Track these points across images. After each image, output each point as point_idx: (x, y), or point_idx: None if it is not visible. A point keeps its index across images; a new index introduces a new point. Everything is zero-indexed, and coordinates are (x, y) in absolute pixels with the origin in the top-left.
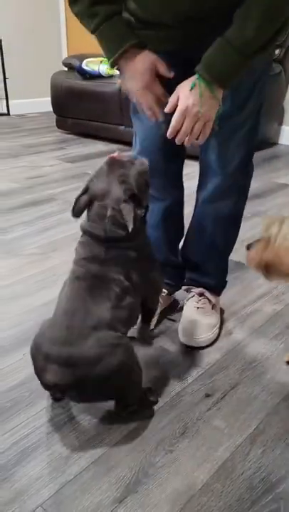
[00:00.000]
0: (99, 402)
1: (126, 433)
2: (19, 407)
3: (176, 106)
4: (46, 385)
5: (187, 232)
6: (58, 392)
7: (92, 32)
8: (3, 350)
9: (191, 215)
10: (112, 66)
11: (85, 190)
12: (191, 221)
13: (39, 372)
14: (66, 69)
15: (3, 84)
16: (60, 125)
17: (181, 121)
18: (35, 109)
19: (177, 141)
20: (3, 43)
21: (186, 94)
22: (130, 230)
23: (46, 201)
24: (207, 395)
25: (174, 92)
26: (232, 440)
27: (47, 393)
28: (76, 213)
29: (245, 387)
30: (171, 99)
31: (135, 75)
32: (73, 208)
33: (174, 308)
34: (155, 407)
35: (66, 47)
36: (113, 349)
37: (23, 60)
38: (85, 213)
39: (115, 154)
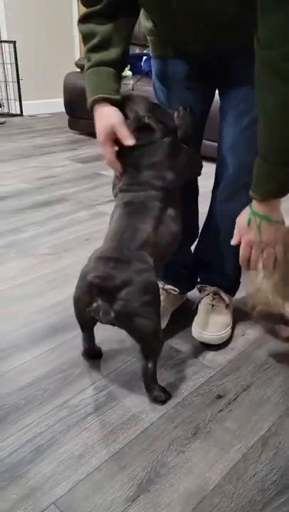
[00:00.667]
0: (122, 319)
1: (138, 432)
2: (32, 405)
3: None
4: (89, 292)
5: (202, 231)
6: (96, 302)
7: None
8: (15, 348)
9: (206, 214)
10: (90, 110)
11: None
12: (206, 220)
13: (86, 276)
14: (79, 70)
15: (16, 86)
16: (72, 126)
17: (248, 251)
18: (47, 109)
19: (251, 268)
20: (17, 45)
21: (246, 230)
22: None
23: (58, 201)
24: (219, 396)
25: (236, 226)
26: (244, 442)
27: (59, 392)
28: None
29: (257, 389)
30: (236, 234)
31: (97, 127)
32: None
33: (186, 308)
34: (167, 407)
35: (79, 48)
36: (153, 272)
37: (36, 61)
38: None
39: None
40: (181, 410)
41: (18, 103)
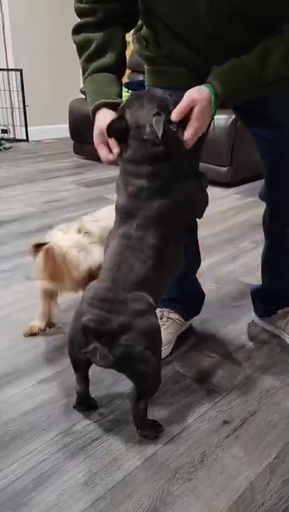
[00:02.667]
0: (121, 364)
1: (143, 460)
2: (36, 431)
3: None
4: (84, 335)
5: (268, 263)
6: (92, 344)
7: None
8: (21, 373)
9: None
10: (92, 117)
11: (120, 116)
12: (271, 251)
13: (80, 319)
14: (84, 96)
15: (23, 112)
16: (77, 151)
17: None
18: (52, 135)
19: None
20: (23, 72)
21: (208, 101)
22: (160, 136)
23: None
24: (225, 422)
25: (185, 99)
26: (251, 469)
27: (63, 418)
28: (110, 133)
29: (263, 415)
30: (184, 103)
31: (94, 129)
32: (108, 128)
33: (191, 332)
34: (173, 433)
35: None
36: (154, 311)
37: (41, 88)
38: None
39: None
40: (187, 437)
41: (24, 129)
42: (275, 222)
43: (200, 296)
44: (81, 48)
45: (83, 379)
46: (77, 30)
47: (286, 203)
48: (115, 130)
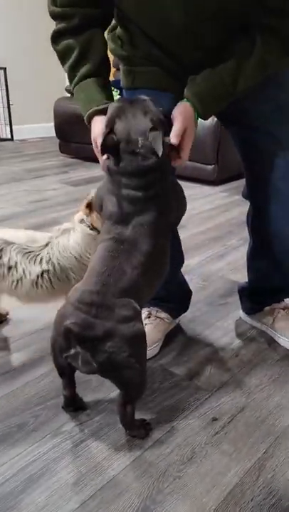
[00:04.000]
0: (105, 371)
1: (132, 459)
2: (24, 432)
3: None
4: (66, 339)
5: (255, 259)
6: (74, 348)
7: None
8: (8, 375)
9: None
10: (88, 123)
11: (110, 131)
12: (258, 246)
13: (63, 321)
14: (69, 95)
15: (7, 110)
16: (64, 150)
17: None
18: (38, 134)
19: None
20: (7, 70)
21: (192, 123)
22: (160, 154)
23: (50, 224)
24: (214, 419)
25: (180, 121)
26: (241, 465)
27: (52, 418)
28: (104, 151)
29: (252, 411)
30: (181, 125)
31: (92, 138)
32: (102, 147)
33: (179, 330)
34: (162, 432)
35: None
36: (140, 317)
37: (26, 87)
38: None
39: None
40: (176, 434)
41: (8, 127)
42: (258, 220)
43: (187, 293)
44: (63, 56)
45: (69, 383)
46: (55, 37)
47: (267, 201)
48: (108, 148)
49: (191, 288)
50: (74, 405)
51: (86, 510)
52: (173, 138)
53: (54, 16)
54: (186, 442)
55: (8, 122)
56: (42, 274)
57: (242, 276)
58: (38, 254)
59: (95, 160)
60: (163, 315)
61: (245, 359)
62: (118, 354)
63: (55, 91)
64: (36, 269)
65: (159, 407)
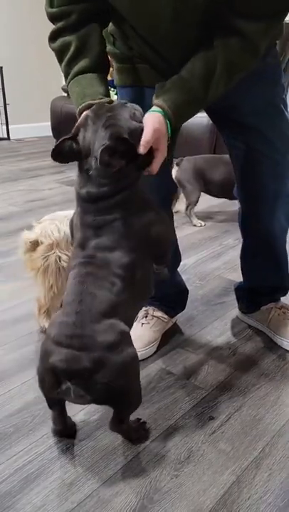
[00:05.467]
0: (101, 401)
1: (130, 458)
2: (21, 432)
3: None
4: (54, 376)
5: (247, 260)
6: (64, 384)
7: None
8: (4, 374)
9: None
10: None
11: (72, 137)
12: (250, 245)
13: (47, 359)
14: (65, 94)
15: (3, 110)
16: None
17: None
18: (34, 133)
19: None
20: (3, 69)
21: (164, 134)
22: (98, 164)
23: None
24: (211, 418)
25: (149, 131)
26: (238, 464)
27: (49, 418)
28: (54, 156)
29: (249, 410)
30: (150, 135)
31: None
32: (52, 151)
33: (176, 328)
34: (159, 431)
35: None
36: (128, 336)
37: (22, 86)
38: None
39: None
40: (174, 433)
41: (5, 127)
42: (248, 219)
43: (184, 292)
44: (60, 53)
45: (60, 416)
46: (53, 37)
47: (256, 201)
48: (61, 154)
49: (187, 287)
50: (65, 435)
51: (83, 510)
52: (141, 147)
53: (52, 18)
54: (183, 441)
55: (4, 122)
56: None
57: (239, 276)
58: None
59: None
60: (160, 314)
61: (242, 358)
62: (113, 383)
63: (52, 90)
64: None
65: (157, 407)
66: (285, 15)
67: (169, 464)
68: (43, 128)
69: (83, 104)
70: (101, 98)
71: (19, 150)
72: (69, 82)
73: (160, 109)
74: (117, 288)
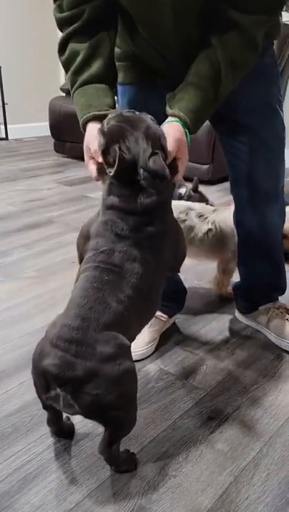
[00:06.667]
0: (89, 413)
1: None
2: (20, 432)
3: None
4: (44, 379)
5: (244, 256)
6: (53, 390)
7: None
8: (3, 374)
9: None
10: (83, 129)
11: (120, 148)
12: (245, 242)
13: (41, 360)
14: (64, 94)
15: (2, 110)
16: (58, 149)
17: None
18: (33, 133)
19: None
20: (2, 69)
21: (185, 144)
22: (167, 176)
23: (45, 224)
24: (209, 418)
25: (173, 141)
26: (236, 464)
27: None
28: (118, 172)
29: (247, 410)
30: (173, 146)
31: (84, 144)
32: (117, 169)
33: (174, 328)
34: (158, 431)
35: (63, 73)
36: (128, 352)
37: (21, 86)
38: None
39: (118, 111)
40: (172, 433)
41: (3, 127)
42: (242, 216)
43: (182, 292)
44: (67, 62)
45: (55, 418)
46: (62, 47)
47: (249, 197)
48: (122, 168)
49: (186, 287)
50: (62, 435)
51: (82, 510)
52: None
53: (62, 23)
54: (182, 441)
55: (3, 121)
56: (207, 232)
57: (236, 275)
58: (207, 217)
59: None
60: (158, 313)
61: (240, 358)
62: (104, 396)
63: (51, 90)
64: (204, 228)
65: (155, 407)
66: (280, 10)
67: (168, 464)
68: (42, 128)
69: (88, 115)
70: (107, 110)
71: (18, 150)
72: (74, 92)
73: (177, 119)
74: (131, 301)
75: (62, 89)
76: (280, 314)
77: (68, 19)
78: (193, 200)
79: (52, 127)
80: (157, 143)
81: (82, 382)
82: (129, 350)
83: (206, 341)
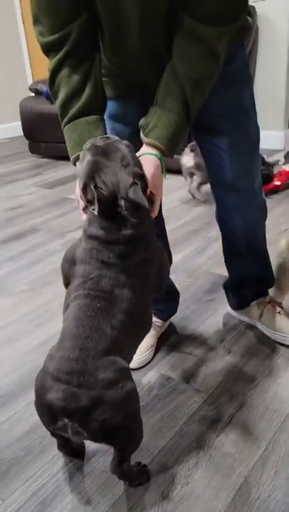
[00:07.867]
0: (99, 437)
1: None
2: (32, 455)
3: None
4: (50, 412)
5: (231, 250)
6: (61, 421)
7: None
8: (7, 397)
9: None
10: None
11: (95, 185)
12: (229, 237)
13: (44, 395)
14: (33, 94)
15: None
16: (34, 150)
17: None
18: (4, 134)
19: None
20: None
21: (160, 179)
22: (146, 206)
23: (30, 232)
24: (214, 421)
25: (149, 177)
26: (244, 464)
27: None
28: (101, 207)
29: (250, 408)
30: (149, 182)
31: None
32: (99, 207)
33: (171, 331)
34: (166, 439)
35: (31, 72)
36: (128, 373)
37: None
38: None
39: (92, 141)
40: (180, 441)
41: None
42: (223, 214)
43: (175, 295)
44: (55, 92)
45: (63, 442)
46: (53, 76)
47: (227, 198)
48: (102, 203)
49: (177, 286)
50: (72, 455)
51: None
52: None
53: (50, 47)
54: (190, 448)
55: None
56: None
57: (225, 269)
58: None
59: (67, 159)
60: (154, 319)
61: (237, 355)
62: (111, 420)
63: (19, 90)
64: None
65: (161, 414)
66: (238, 21)
67: (179, 472)
68: (14, 128)
69: (75, 155)
70: None
71: None
72: (65, 125)
73: (153, 151)
74: (124, 326)
75: (30, 89)
76: (271, 308)
77: (57, 42)
78: None
79: (25, 128)
80: (136, 172)
81: (89, 410)
82: (129, 371)
83: (202, 341)
